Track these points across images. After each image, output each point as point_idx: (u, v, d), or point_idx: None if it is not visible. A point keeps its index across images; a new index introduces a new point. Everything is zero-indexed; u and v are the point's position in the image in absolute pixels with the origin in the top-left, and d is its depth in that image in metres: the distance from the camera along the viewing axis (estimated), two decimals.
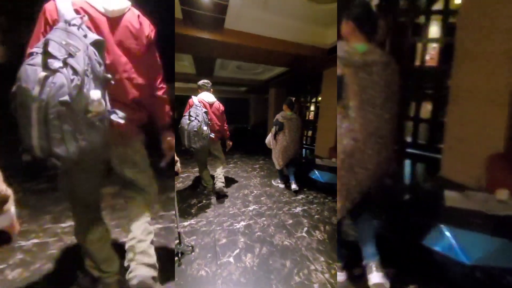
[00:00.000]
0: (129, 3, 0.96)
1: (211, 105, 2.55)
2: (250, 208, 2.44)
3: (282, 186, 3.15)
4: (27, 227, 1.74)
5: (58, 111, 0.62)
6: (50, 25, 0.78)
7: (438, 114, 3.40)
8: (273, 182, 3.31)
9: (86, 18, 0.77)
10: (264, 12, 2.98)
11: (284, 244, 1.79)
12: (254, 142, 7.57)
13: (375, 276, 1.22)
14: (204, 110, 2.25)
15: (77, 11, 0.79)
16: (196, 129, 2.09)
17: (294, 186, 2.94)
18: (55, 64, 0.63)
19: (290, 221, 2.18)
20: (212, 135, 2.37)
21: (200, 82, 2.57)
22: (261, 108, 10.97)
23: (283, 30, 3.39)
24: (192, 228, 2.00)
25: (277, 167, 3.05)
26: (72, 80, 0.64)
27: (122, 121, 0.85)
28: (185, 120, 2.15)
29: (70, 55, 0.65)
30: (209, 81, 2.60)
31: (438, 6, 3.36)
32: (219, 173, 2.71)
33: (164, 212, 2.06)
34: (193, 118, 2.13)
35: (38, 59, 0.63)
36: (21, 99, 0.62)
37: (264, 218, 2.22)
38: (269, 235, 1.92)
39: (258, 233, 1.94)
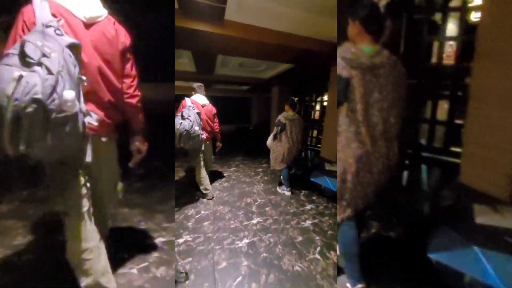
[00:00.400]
0: (106, 11, 0.98)
1: (203, 107, 2.58)
2: (254, 221, 2.17)
3: (288, 194, 2.87)
4: (22, 240, 1.53)
5: (30, 110, 0.62)
6: (27, 27, 0.78)
7: (454, 116, 3.16)
8: (278, 189, 3.03)
9: (62, 21, 0.79)
10: (267, 2, 2.69)
11: (295, 269, 1.52)
12: (256, 142, 7.29)
13: None
14: (197, 111, 2.28)
15: (54, 15, 0.79)
16: (186, 129, 2.11)
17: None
18: (30, 64, 0.63)
19: (300, 238, 1.90)
20: (204, 136, 2.43)
21: (195, 85, 2.64)
22: (264, 107, 10.70)
23: (288, 22, 3.10)
24: (188, 247, 1.74)
25: (272, 168, 2.94)
26: (46, 80, 0.64)
27: (95, 124, 0.90)
28: (177, 121, 2.15)
29: (45, 56, 0.66)
30: (202, 84, 2.67)
31: (455, 3, 3.16)
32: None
33: (168, 224, 1.84)
34: (185, 118, 2.15)
35: (14, 59, 0.63)
36: None
37: (270, 234, 1.95)
38: (276, 256, 1.65)
39: (264, 254, 1.67)
